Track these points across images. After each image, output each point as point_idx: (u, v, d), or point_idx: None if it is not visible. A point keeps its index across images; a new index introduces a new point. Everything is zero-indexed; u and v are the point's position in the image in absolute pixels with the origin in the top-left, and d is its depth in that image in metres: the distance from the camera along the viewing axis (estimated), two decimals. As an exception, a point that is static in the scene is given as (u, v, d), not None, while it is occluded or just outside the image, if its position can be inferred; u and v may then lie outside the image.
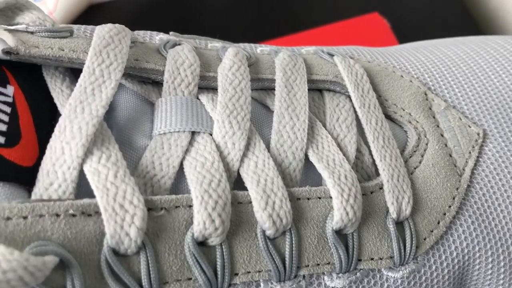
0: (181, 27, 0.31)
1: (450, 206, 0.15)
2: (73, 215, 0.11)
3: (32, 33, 0.14)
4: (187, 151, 0.13)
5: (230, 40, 0.19)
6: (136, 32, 0.16)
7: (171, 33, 0.17)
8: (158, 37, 0.16)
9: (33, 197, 0.12)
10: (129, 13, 0.32)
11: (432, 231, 0.14)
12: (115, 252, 0.11)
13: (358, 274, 0.14)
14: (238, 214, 0.13)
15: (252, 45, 0.18)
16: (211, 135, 0.14)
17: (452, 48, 0.19)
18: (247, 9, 0.32)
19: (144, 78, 0.14)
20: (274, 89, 0.15)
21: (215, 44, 0.17)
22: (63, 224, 0.11)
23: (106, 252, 0.11)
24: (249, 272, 0.13)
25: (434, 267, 0.14)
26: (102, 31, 0.14)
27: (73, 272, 0.11)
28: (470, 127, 0.16)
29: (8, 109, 0.13)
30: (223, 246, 0.12)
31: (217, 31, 0.27)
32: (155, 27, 0.19)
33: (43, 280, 0.10)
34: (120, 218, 0.11)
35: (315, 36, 0.30)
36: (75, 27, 0.16)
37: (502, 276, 0.15)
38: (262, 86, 0.15)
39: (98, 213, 0.11)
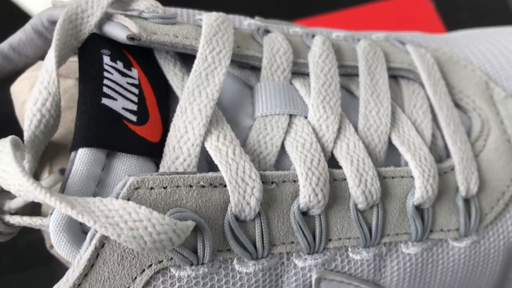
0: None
1: (508, 186, 0.17)
2: (203, 186, 0.13)
3: (146, 19, 0.15)
4: (287, 132, 0.15)
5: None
6: (179, 10, 0.17)
7: (256, 18, 0.18)
8: (247, 22, 0.18)
9: (161, 169, 0.14)
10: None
11: (492, 208, 0.16)
12: (236, 218, 0.13)
13: (429, 242, 0.16)
14: (333, 189, 0.14)
15: (327, 29, 0.19)
16: (306, 118, 0.15)
17: (508, 38, 0.21)
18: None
19: (243, 63, 0.16)
20: (356, 75, 0.17)
21: (295, 29, 0.18)
22: (196, 193, 0.13)
23: (230, 218, 0.13)
24: (340, 238, 0.15)
25: (492, 239, 0.16)
26: (210, 20, 0.15)
27: (204, 234, 0.13)
28: (527, 115, 0.18)
29: (136, 91, 0.14)
30: (321, 216, 0.14)
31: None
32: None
33: (181, 242, 0.12)
34: (242, 190, 0.13)
35: (358, 15, 0.31)
36: (172, 11, 0.17)
37: (548, 248, 0.17)
38: (345, 72, 0.17)
39: (222, 185, 0.13)
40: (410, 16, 0.30)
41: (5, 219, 0.14)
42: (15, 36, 0.17)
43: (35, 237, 0.21)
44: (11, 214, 0.14)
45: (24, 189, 0.12)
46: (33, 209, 0.15)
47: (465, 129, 0.17)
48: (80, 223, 0.13)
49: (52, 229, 0.13)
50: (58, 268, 0.16)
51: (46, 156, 0.15)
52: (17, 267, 0.21)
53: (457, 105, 0.18)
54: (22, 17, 0.32)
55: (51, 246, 0.16)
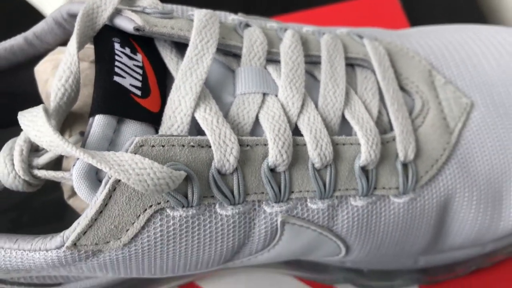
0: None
1: (441, 155, 0.20)
2: (193, 146, 0.17)
3: (148, 14, 0.19)
4: (260, 107, 0.19)
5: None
6: (175, 6, 0.21)
7: (239, 14, 0.22)
8: (231, 18, 0.21)
9: (160, 133, 0.17)
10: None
11: (427, 172, 0.20)
12: (218, 172, 0.17)
13: (373, 197, 0.19)
14: (296, 152, 0.18)
15: (297, 25, 0.23)
16: (276, 96, 0.19)
17: (454, 35, 0.24)
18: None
19: (227, 51, 0.20)
20: (319, 63, 0.21)
21: (271, 24, 0.22)
22: (187, 151, 0.17)
23: (213, 171, 0.17)
24: (301, 191, 0.18)
25: (427, 197, 0.20)
26: (200, 15, 0.19)
27: (193, 183, 0.17)
28: (461, 98, 0.22)
29: (140, 71, 0.18)
30: (286, 173, 0.18)
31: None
32: None
33: (176, 187, 0.16)
34: (223, 150, 0.17)
35: (328, 13, 0.34)
36: (169, 7, 0.21)
37: (474, 207, 0.21)
38: (310, 60, 0.21)
39: (208, 146, 0.17)
40: (378, 15, 0.33)
41: (33, 172, 0.18)
42: (38, 26, 0.21)
43: (50, 198, 0.25)
44: (38, 169, 0.18)
45: (55, 144, 0.16)
46: (55, 166, 0.19)
47: (408, 108, 0.21)
48: (96, 173, 0.17)
49: (75, 177, 0.16)
50: (70, 223, 0.19)
51: (66, 123, 0.19)
52: (35, 223, 0.24)
53: (403, 89, 0.21)
54: (32, 12, 0.35)
55: (69, 197, 0.20)
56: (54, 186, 0.24)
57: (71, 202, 0.20)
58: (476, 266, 0.25)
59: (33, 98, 0.21)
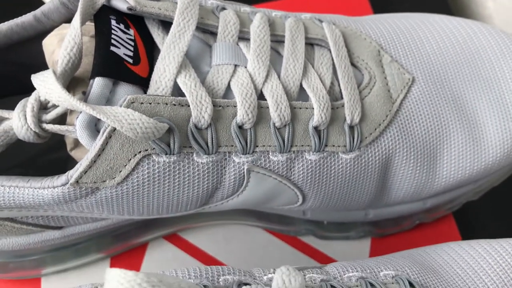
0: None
1: (384, 120, 0.25)
2: (174, 105, 0.21)
3: (139, -4, 0.23)
4: (232, 76, 0.22)
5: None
6: None
7: (217, -1, 0.26)
8: (210, 2, 0.25)
9: (148, 93, 0.21)
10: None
11: (371, 134, 0.24)
12: (195, 126, 0.21)
13: (325, 153, 0.23)
14: (260, 113, 0.22)
15: (269, 10, 0.27)
16: (245, 67, 0.23)
17: (403, 21, 0.28)
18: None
19: (205, 29, 0.23)
20: (283, 42, 0.25)
21: (245, 8, 0.26)
22: (169, 109, 0.21)
23: (191, 126, 0.21)
24: (264, 145, 0.22)
25: (370, 155, 0.24)
26: (183, -1, 0.23)
27: (175, 134, 0.20)
28: (404, 74, 0.26)
29: (132, 43, 0.22)
30: (251, 130, 0.22)
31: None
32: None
33: (160, 136, 0.20)
34: (199, 108, 0.21)
35: (300, 3, 0.38)
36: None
37: (411, 165, 0.25)
38: (275, 39, 0.24)
39: (187, 105, 0.21)
40: (345, 4, 0.37)
41: (42, 126, 0.21)
42: (46, 5, 0.24)
43: (53, 157, 0.29)
44: (46, 123, 0.22)
45: (62, 99, 0.19)
46: (60, 122, 0.22)
47: (357, 81, 0.25)
48: (95, 124, 0.20)
49: (78, 127, 0.20)
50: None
51: (70, 85, 0.22)
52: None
53: (354, 65, 0.25)
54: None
55: (71, 149, 0.24)
56: (57, 147, 0.28)
57: (73, 153, 0.24)
58: (419, 221, 0.30)
59: (40, 67, 0.25)
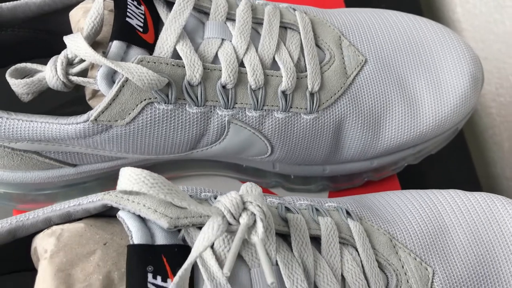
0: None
1: (338, 91, 0.31)
2: (173, 65, 0.27)
3: (149, -19, 0.29)
4: (219, 47, 0.29)
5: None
6: None
7: (211, -13, 0.32)
8: None
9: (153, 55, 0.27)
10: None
11: (327, 100, 0.31)
12: (188, 83, 0.27)
13: (290, 113, 0.30)
14: (240, 77, 0.28)
15: (254, -2, 0.33)
16: (230, 41, 0.29)
17: (362, 14, 0.35)
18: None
19: (200, 9, 0.30)
20: (261, 23, 0.31)
21: (234, -4, 0.32)
22: (169, 68, 0.27)
23: (185, 82, 0.27)
24: (242, 103, 0.29)
25: (326, 118, 0.31)
26: (184, -16, 0.29)
27: (172, 87, 0.27)
28: (359, 56, 0.32)
29: (143, 17, 0.28)
30: (232, 90, 0.28)
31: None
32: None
33: (161, 88, 0.26)
34: (193, 69, 0.27)
35: None
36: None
37: (359, 128, 0.32)
38: (256, 21, 0.31)
39: (183, 66, 0.27)
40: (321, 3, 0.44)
41: (69, 77, 0.27)
42: (73, -16, 0.30)
43: (75, 106, 0.34)
44: (72, 75, 0.28)
45: (88, 54, 0.25)
46: (83, 76, 0.28)
47: (320, 59, 0.31)
48: (112, 76, 0.26)
49: (99, 77, 0.26)
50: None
51: (92, 46, 0.28)
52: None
53: (318, 46, 0.32)
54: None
55: (89, 99, 0.30)
56: (78, 100, 0.34)
57: (90, 102, 0.30)
58: (368, 178, 0.36)
59: (66, 34, 0.31)
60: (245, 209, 0.22)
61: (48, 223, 0.24)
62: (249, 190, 0.23)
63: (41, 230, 0.24)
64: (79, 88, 0.31)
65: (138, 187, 0.20)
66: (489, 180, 0.55)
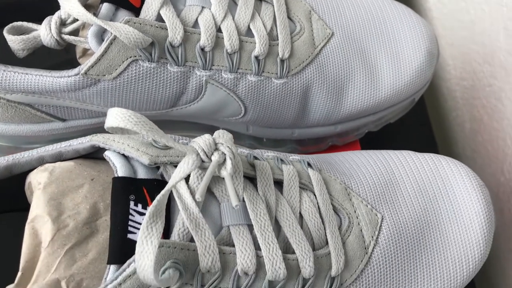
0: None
1: (306, 59, 0.34)
2: (157, 27, 0.30)
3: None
4: (199, 14, 0.32)
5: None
6: None
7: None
8: None
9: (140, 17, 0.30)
10: None
11: (296, 67, 0.34)
12: (170, 44, 0.30)
13: (262, 77, 0.33)
14: (217, 42, 0.31)
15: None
16: (209, 9, 0.32)
17: (332, -7, 0.38)
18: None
19: (183, -20, 0.33)
20: (239, -4, 0.34)
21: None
22: (153, 29, 0.30)
23: (167, 43, 0.30)
24: (218, 65, 0.32)
25: (294, 83, 0.34)
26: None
27: (155, 46, 0.30)
28: (326, 29, 0.35)
29: (130, -17, 0.31)
30: (210, 52, 0.31)
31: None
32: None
33: (145, 46, 0.29)
34: (174, 31, 0.30)
35: None
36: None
37: (324, 94, 0.35)
38: (234, -7, 0.34)
39: (165, 28, 0.30)
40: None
41: (62, 36, 0.30)
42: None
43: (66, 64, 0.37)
44: (65, 34, 0.30)
45: (81, 14, 0.28)
46: (74, 35, 0.31)
47: (290, 30, 0.34)
48: (101, 35, 0.29)
49: (90, 35, 0.29)
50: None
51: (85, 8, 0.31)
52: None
53: (290, 19, 0.35)
54: None
55: (79, 57, 0.32)
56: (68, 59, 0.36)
57: (80, 60, 0.33)
58: (332, 143, 0.40)
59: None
60: (216, 149, 0.25)
61: (41, 162, 0.27)
62: (221, 135, 0.26)
63: (34, 169, 0.27)
64: (70, 50, 0.34)
65: (124, 123, 0.23)
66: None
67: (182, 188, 0.25)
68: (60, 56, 0.35)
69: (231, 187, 0.24)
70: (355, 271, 0.28)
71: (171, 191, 0.24)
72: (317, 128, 0.38)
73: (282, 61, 0.33)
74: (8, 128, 0.34)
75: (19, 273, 0.24)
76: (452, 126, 0.62)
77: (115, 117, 0.23)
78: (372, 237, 0.29)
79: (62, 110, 0.33)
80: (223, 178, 0.26)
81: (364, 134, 0.40)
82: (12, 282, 0.24)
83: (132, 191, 0.24)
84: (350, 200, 0.29)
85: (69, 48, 0.34)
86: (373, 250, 0.28)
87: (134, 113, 0.23)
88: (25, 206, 0.29)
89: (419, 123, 0.51)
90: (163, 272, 0.23)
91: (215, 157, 0.24)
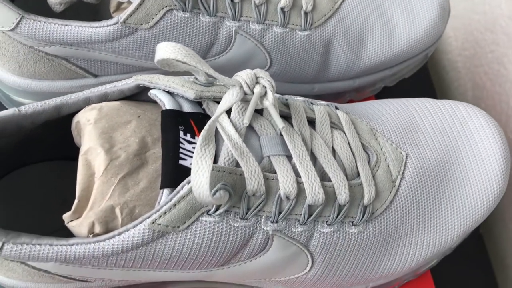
0: None
1: (328, 13, 0.36)
2: (190, -22, 0.31)
3: None
4: (228, -32, 0.33)
5: None
6: None
7: None
8: None
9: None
10: None
11: (319, 20, 0.36)
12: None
13: (287, 29, 0.35)
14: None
15: None
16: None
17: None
18: None
19: None
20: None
21: None
22: (187, -20, 0.31)
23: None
24: (247, 16, 0.33)
25: (317, 35, 0.36)
26: None
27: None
28: (345, -14, 0.37)
29: None
30: (239, 3, 0.33)
31: None
32: None
33: None
34: (207, -18, 0.32)
35: None
36: None
37: (344, 48, 0.37)
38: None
39: (198, -20, 0.32)
40: None
41: (98, -11, 0.32)
42: None
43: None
44: (100, -12, 0.32)
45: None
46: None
47: (312, -15, 0.36)
48: (138, -15, 0.31)
49: (127, -15, 0.30)
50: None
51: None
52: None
53: (311, -25, 0.37)
54: None
55: (113, 11, 0.34)
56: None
57: (114, 15, 0.34)
58: (350, 98, 0.41)
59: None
60: (257, 83, 0.27)
61: (87, 102, 0.28)
62: (260, 71, 0.27)
63: (81, 110, 0.28)
64: (104, 4, 0.35)
65: (175, 55, 0.24)
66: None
67: (225, 121, 0.26)
68: (95, 11, 0.37)
69: (274, 113, 0.25)
70: (385, 201, 0.30)
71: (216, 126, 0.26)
72: (336, 82, 0.39)
73: (305, 13, 0.35)
74: (43, 85, 0.36)
75: (76, 201, 0.25)
76: (455, 96, 0.64)
77: (165, 50, 0.25)
78: (399, 172, 0.30)
79: (96, 65, 0.35)
80: (262, 114, 0.28)
81: (380, 89, 0.42)
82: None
83: (181, 123, 0.26)
84: (376, 139, 0.31)
85: (104, 3, 0.35)
86: (400, 184, 0.30)
87: (183, 46, 0.25)
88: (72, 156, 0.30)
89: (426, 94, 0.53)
90: (214, 194, 0.24)
91: (257, 89, 0.26)
